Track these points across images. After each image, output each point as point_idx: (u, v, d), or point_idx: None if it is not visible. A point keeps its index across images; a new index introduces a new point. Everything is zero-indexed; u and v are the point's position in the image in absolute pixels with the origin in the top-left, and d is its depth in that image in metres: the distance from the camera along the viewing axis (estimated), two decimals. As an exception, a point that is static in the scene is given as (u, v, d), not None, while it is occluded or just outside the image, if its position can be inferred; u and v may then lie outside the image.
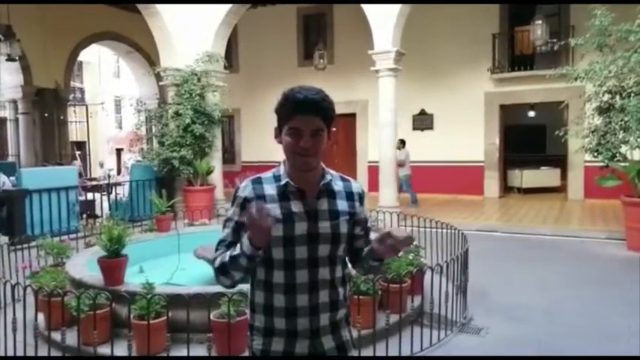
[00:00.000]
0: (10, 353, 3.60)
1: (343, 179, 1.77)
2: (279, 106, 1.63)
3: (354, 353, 1.84)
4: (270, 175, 1.70)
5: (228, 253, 1.60)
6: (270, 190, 1.66)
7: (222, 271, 1.62)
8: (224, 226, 1.70)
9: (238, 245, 1.57)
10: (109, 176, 10.95)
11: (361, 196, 1.78)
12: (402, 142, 11.37)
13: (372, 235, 1.83)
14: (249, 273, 1.63)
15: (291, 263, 1.63)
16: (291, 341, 1.64)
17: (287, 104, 1.60)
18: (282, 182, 1.65)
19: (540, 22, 10.97)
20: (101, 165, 19.22)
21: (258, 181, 1.69)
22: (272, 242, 1.60)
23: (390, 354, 3.64)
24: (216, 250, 1.67)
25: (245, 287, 1.78)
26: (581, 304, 4.97)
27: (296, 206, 1.64)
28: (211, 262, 1.69)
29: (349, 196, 1.73)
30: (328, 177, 1.70)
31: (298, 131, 1.59)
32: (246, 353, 3.14)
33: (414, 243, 5.26)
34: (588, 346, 3.95)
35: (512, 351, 3.90)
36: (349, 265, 1.82)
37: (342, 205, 1.70)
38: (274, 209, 1.60)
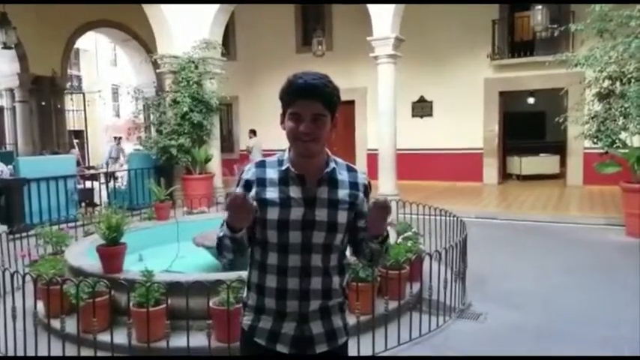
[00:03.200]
0: (10, 341, 3.62)
1: (349, 169, 1.76)
2: (282, 91, 1.65)
3: (349, 340, 1.83)
4: (275, 159, 1.72)
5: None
6: (272, 173, 1.69)
7: (219, 250, 1.69)
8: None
9: (223, 228, 1.63)
10: (107, 164, 10.93)
11: (366, 188, 1.76)
12: (253, 132, 13.36)
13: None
14: (240, 251, 1.66)
15: (284, 247, 1.65)
16: (279, 321, 1.68)
17: (289, 89, 1.62)
18: (284, 167, 1.67)
19: (540, 7, 10.88)
20: (118, 141, 16.99)
21: (262, 165, 1.73)
22: (268, 225, 1.65)
23: (389, 340, 3.66)
24: (220, 229, 1.72)
25: (244, 274, 1.81)
26: (580, 290, 4.98)
27: (294, 192, 1.65)
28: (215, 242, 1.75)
29: (353, 185, 1.72)
30: (332, 165, 1.70)
31: (299, 116, 1.60)
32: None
33: (413, 230, 5.28)
34: (587, 332, 3.97)
35: (511, 336, 3.92)
36: (348, 255, 1.80)
37: (342, 194, 1.69)
38: (273, 192, 1.65)
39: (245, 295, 1.79)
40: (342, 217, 1.68)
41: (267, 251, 1.68)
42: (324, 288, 1.69)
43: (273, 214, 1.63)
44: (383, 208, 1.61)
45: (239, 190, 1.69)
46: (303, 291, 1.66)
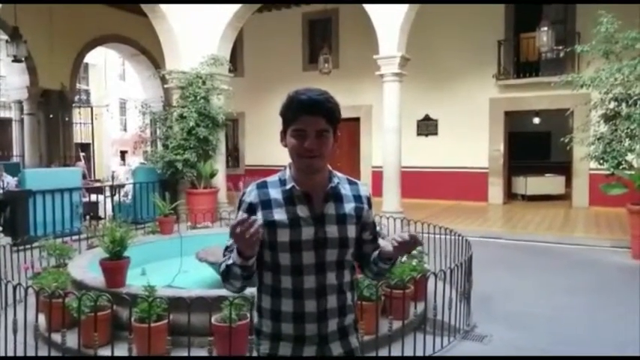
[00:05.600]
0: (11, 354, 3.59)
1: (350, 182, 1.75)
2: (284, 108, 1.61)
3: None
4: (276, 179, 1.67)
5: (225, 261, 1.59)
6: (275, 194, 1.63)
7: (225, 278, 1.61)
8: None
9: (232, 255, 1.54)
10: (113, 178, 10.95)
11: (369, 200, 1.75)
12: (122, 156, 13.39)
13: (381, 242, 1.80)
14: (249, 280, 1.59)
15: (298, 269, 1.60)
16: (299, 346, 1.62)
17: (291, 106, 1.59)
18: (288, 186, 1.62)
19: (546, 28, 10.94)
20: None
21: (263, 186, 1.67)
22: (279, 248, 1.59)
23: (393, 360, 3.62)
24: (223, 255, 1.65)
25: (247, 291, 1.77)
26: (585, 313, 4.92)
27: (302, 211, 1.61)
28: (218, 268, 1.68)
29: (357, 199, 1.70)
30: (335, 180, 1.67)
31: (303, 132, 1.57)
32: (247, 358, 3.11)
33: (419, 248, 5.24)
34: (592, 354, 3.90)
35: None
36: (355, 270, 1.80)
37: (349, 208, 1.67)
38: (280, 214, 1.60)
39: (257, 321, 1.71)
40: (352, 231, 1.66)
41: (279, 275, 1.62)
42: (340, 305, 1.66)
43: (283, 236, 1.57)
44: (414, 244, 1.64)
45: (241, 213, 1.62)
46: (321, 312, 1.62)
